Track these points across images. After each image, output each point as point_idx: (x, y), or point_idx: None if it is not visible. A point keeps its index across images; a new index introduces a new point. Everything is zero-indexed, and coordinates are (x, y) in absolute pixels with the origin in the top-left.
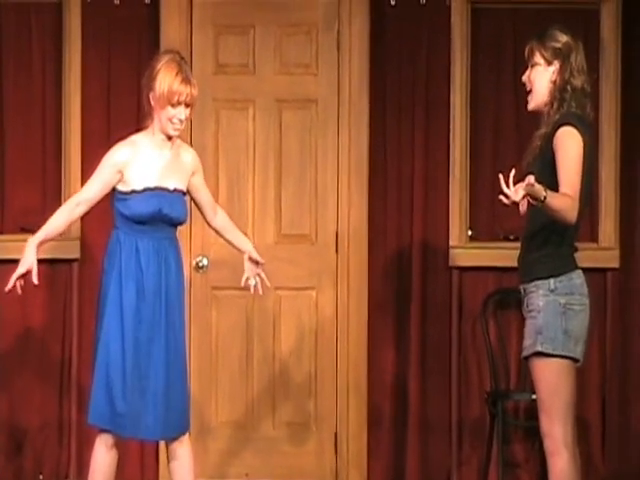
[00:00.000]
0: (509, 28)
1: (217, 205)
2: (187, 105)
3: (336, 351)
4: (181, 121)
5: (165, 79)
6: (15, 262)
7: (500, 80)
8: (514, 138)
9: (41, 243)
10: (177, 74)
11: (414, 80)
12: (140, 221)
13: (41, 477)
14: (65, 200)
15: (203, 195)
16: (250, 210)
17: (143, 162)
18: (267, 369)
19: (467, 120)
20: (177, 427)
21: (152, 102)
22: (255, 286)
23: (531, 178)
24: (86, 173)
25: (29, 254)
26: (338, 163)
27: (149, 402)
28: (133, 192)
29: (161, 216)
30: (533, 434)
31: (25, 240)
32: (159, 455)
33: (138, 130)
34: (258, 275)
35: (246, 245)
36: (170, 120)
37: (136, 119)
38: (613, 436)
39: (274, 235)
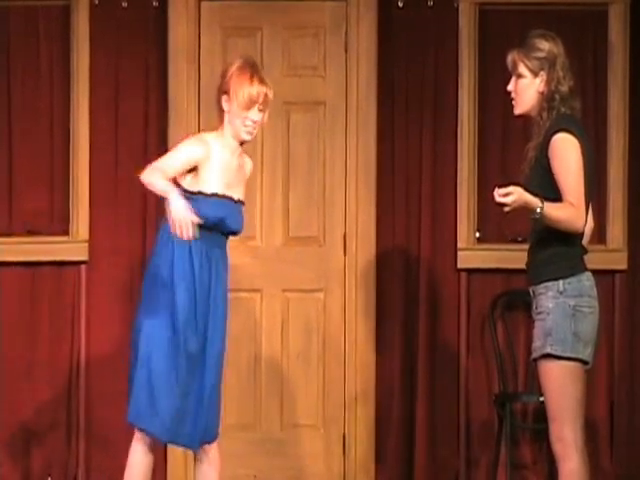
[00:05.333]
0: (517, 30)
1: None
2: (261, 109)
3: (344, 353)
4: (255, 122)
5: (239, 80)
6: (23, 264)
7: (508, 82)
8: (522, 140)
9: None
10: (252, 76)
11: (422, 82)
12: (201, 225)
13: (49, 479)
14: (72, 203)
15: None
16: (258, 212)
17: (216, 166)
18: (275, 371)
19: (475, 122)
20: (212, 436)
21: (225, 106)
22: None
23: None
24: (94, 176)
25: (182, 203)
26: (346, 165)
27: (191, 410)
28: (200, 194)
29: (223, 225)
30: (541, 436)
31: (32, 243)
32: (167, 455)
33: (145, 132)
34: None
35: None
36: (243, 122)
37: (144, 120)
38: (621, 438)
39: (282, 237)
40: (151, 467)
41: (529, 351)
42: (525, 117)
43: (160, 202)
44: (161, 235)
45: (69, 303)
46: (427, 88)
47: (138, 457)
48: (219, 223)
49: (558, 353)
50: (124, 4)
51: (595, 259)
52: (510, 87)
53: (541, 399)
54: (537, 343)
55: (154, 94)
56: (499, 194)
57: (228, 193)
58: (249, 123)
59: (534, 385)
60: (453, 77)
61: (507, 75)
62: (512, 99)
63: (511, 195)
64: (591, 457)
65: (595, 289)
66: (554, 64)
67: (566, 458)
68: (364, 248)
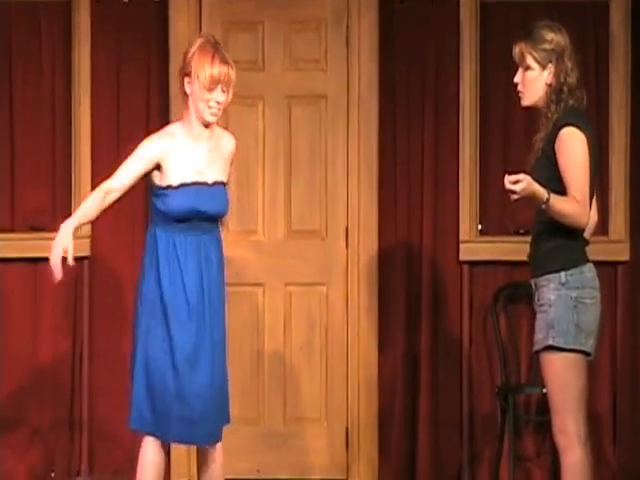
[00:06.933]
0: (518, 22)
1: None
2: (224, 90)
3: (347, 346)
4: (219, 103)
5: (200, 61)
6: (25, 260)
7: (510, 75)
8: (524, 132)
9: (76, 228)
10: (213, 56)
11: (423, 75)
12: (177, 218)
13: (53, 474)
14: (75, 199)
15: None
16: (260, 206)
17: (179, 156)
18: (278, 365)
19: (477, 115)
20: (219, 431)
21: (187, 88)
22: None
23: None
24: (96, 172)
25: (65, 235)
26: (348, 158)
27: (195, 407)
28: (169, 187)
29: (198, 213)
30: (544, 428)
31: (35, 239)
32: (170, 450)
33: (147, 129)
34: None
35: None
36: (207, 104)
37: (146, 117)
38: (624, 430)
39: (284, 231)
40: (163, 466)
41: (532, 343)
42: (528, 109)
43: None
44: (148, 233)
45: (71, 299)
46: (428, 81)
47: (149, 457)
48: (193, 211)
49: (560, 345)
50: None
51: (597, 250)
52: (517, 79)
53: (544, 391)
54: (539, 335)
55: (155, 89)
56: (509, 181)
57: (199, 179)
58: (213, 104)
59: (537, 377)
60: (454, 70)
61: (509, 68)
62: (518, 91)
63: (521, 183)
64: (594, 449)
65: (597, 280)
66: (562, 56)
67: (569, 450)
68: (366, 241)
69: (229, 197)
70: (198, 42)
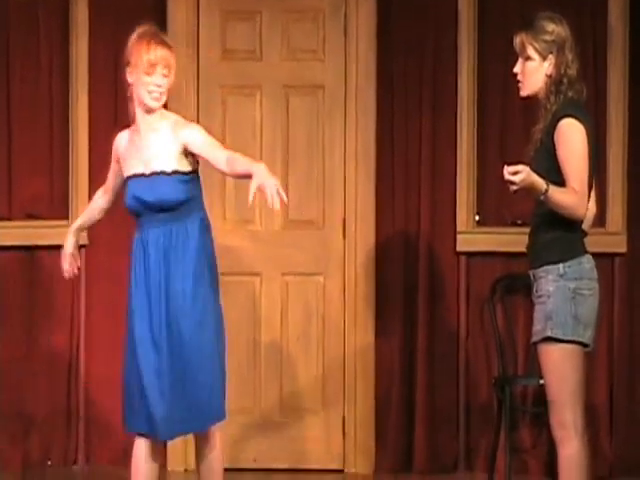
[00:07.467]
0: (517, 13)
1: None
2: (165, 74)
3: (344, 336)
4: (159, 87)
5: (138, 47)
6: (22, 249)
7: (507, 65)
8: (521, 123)
9: (78, 230)
10: (149, 41)
11: (421, 65)
12: (130, 211)
13: (49, 463)
14: (72, 188)
15: (209, 155)
16: (257, 196)
17: (128, 149)
18: (274, 355)
19: (474, 105)
20: (194, 422)
21: (129, 78)
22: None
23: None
24: (93, 161)
25: (66, 242)
26: (345, 148)
27: (157, 401)
28: (125, 181)
29: (141, 204)
30: (541, 420)
31: (31, 227)
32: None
33: None
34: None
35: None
36: (146, 88)
37: None
38: (621, 422)
39: (281, 221)
40: (155, 458)
41: (529, 334)
42: (527, 99)
43: None
44: None
45: (68, 287)
46: (426, 71)
47: (141, 451)
48: (136, 202)
49: (558, 336)
50: None
51: (594, 242)
52: (517, 69)
53: (541, 382)
54: (537, 327)
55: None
56: (508, 172)
57: (138, 171)
58: (153, 88)
59: (534, 368)
60: (452, 61)
61: (507, 59)
62: (518, 81)
63: (520, 174)
64: (590, 441)
65: (595, 271)
66: (563, 47)
67: (566, 442)
68: (363, 231)
69: (178, 185)
70: (136, 32)
